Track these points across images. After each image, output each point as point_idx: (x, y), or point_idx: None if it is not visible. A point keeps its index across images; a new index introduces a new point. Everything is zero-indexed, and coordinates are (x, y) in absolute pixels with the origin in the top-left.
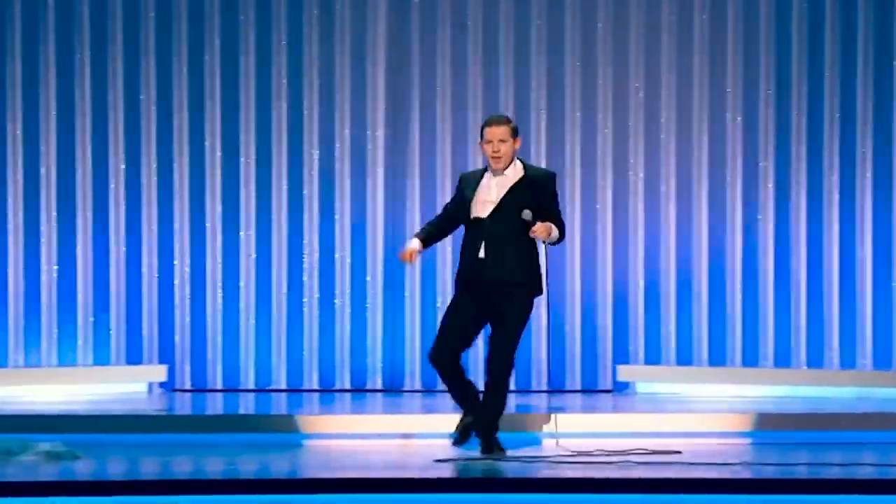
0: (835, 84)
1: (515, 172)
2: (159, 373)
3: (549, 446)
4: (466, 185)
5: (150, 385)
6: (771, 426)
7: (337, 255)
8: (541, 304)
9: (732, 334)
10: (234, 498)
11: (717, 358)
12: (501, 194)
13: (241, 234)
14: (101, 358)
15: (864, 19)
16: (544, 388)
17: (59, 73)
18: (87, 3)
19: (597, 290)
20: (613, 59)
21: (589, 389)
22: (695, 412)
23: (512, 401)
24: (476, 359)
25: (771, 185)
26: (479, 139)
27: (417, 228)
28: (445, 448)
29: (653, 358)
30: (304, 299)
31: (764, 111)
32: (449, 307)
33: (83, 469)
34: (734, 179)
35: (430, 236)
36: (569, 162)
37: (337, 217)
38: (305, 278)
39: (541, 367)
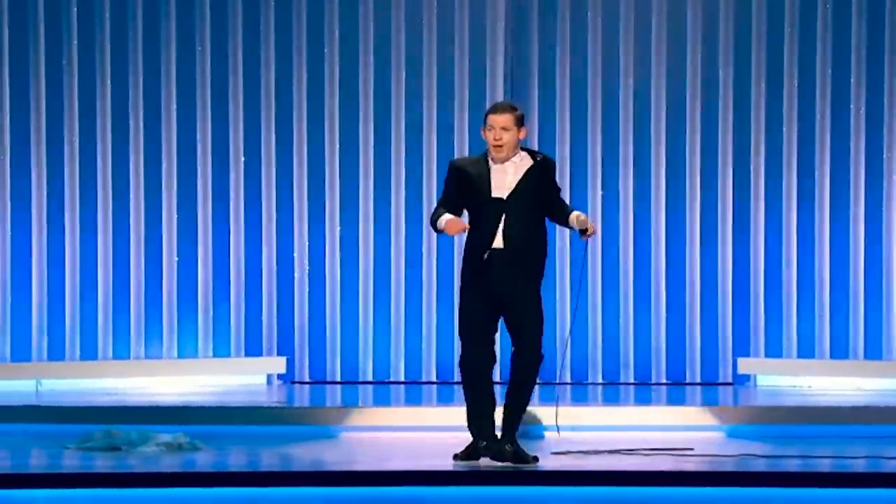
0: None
1: (523, 157)
2: (278, 365)
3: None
4: (467, 177)
5: (270, 377)
6: (893, 420)
7: (455, 248)
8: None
9: (855, 327)
10: (351, 490)
11: (839, 351)
12: (517, 178)
13: (360, 226)
14: (220, 350)
15: None
16: (663, 380)
17: (178, 64)
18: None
19: (717, 282)
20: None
21: (710, 382)
22: (815, 405)
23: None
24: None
25: (894, 176)
26: (482, 126)
27: None
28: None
29: (774, 351)
30: (423, 291)
31: (888, 104)
32: (465, 296)
33: (204, 460)
34: (857, 170)
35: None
36: (689, 156)
37: None
38: (424, 271)
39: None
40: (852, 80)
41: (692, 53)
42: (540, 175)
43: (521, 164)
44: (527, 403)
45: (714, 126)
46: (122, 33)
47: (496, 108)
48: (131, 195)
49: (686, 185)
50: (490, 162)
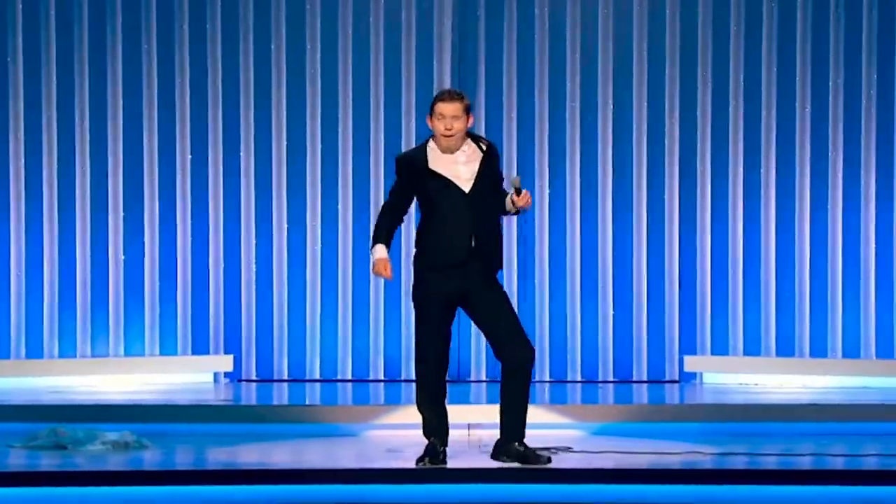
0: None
1: (471, 147)
2: (225, 363)
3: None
4: (406, 170)
5: (217, 375)
6: (839, 417)
7: (402, 247)
8: (607, 294)
9: (801, 325)
10: (299, 488)
11: (785, 349)
12: (475, 168)
13: (308, 224)
14: (167, 348)
15: None
16: (610, 378)
17: (124, 64)
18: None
19: (664, 280)
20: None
21: (656, 380)
22: (761, 402)
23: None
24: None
25: (840, 175)
26: (428, 114)
27: None
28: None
29: (720, 349)
30: (370, 289)
31: (833, 101)
32: (427, 305)
33: (150, 458)
34: (802, 170)
35: (390, 236)
36: (635, 153)
37: None
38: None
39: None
40: (798, 79)
41: (638, 52)
42: (491, 164)
43: (471, 153)
44: (528, 399)
45: (660, 124)
46: (69, 30)
47: (445, 97)
48: (77, 192)
49: (633, 183)
50: (437, 150)
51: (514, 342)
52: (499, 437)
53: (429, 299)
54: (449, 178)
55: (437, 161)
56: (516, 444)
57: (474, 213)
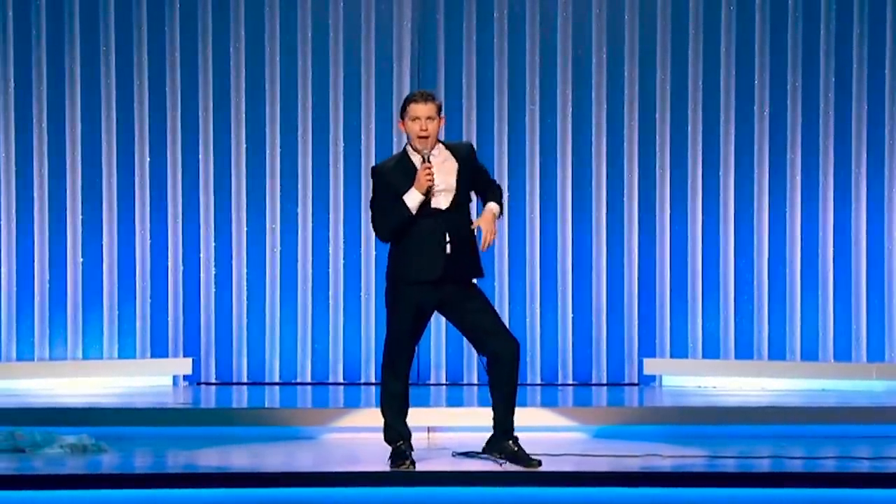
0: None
1: (443, 153)
2: (184, 366)
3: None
4: (397, 178)
5: (176, 378)
6: (797, 420)
7: (362, 249)
8: (566, 299)
9: (759, 328)
10: (259, 491)
11: (744, 352)
12: (452, 181)
13: (267, 227)
14: (126, 351)
15: None
16: (570, 381)
17: (83, 66)
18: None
19: (624, 283)
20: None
21: (616, 383)
22: (720, 405)
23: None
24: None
25: (798, 178)
26: (399, 118)
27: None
28: (466, 441)
29: (679, 352)
30: (330, 293)
31: (791, 104)
32: (400, 317)
33: (109, 462)
34: (761, 173)
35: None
36: (594, 155)
37: (362, 213)
38: (331, 272)
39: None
40: (756, 82)
41: (597, 54)
42: (469, 171)
43: (444, 163)
44: (516, 392)
45: (619, 126)
46: (26, 31)
47: (417, 98)
48: (35, 194)
49: (592, 185)
50: (413, 157)
51: (499, 336)
52: (491, 432)
53: (403, 309)
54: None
55: (414, 169)
56: (510, 442)
57: (450, 229)
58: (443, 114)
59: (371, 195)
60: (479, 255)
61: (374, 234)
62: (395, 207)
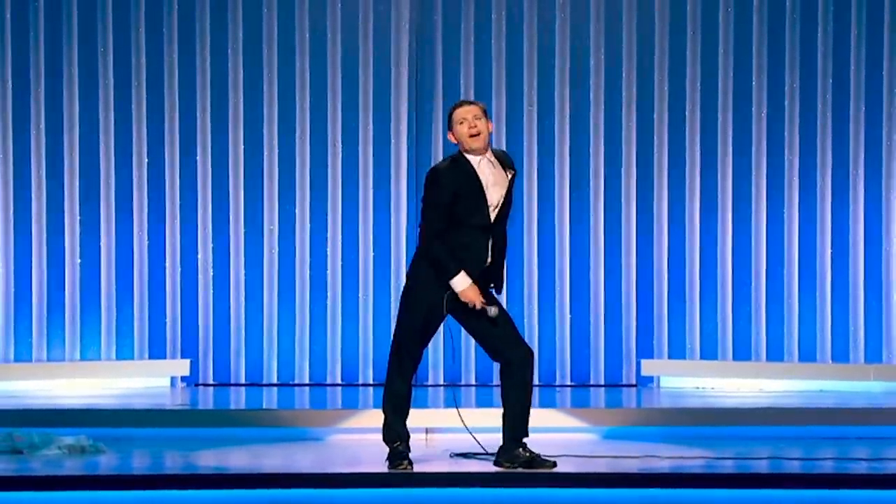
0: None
1: (496, 166)
2: (182, 367)
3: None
4: (458, 183)
5: (173, 379)
6: (795, 421)
7: (360, 251)
8: (564, 301)
9: (757, 329)
10: (256, 492)
11: (742, 353)
12: (502, 192)
13: (265, 228)
14: (124, 352)
15: None
16: (568, 382)
17: (81, 67)
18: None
19: (622, 284)
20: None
21: (614, 384)
22: (718, 406)
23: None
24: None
25: (796, 179)
26: (448, 128)
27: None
28: (464, 442)
29: (677, 353)
30: (328, 294)
31: (789, 105)
32: (419, 317)
33: (107, 463)
34: (759, 174)
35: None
36: (592, 156)
37: (360, 214)
38: (329, 273)
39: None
40: (754, 83)
41: (595, 55)
42: (511, 189)
43: (497, 172)
44: (530, 400)
45: (617, 127)
46: (24, 33)
47: (460, 103)
48: (32, 195)
49: (590, 186)
50: (469, 161)
51: (514, 344)
52: (502, 441)
53: (421, 308)
54: (484, 188)
55: (475, 175)
56: (521, 450)
57: (493, 242)
58: (492, 119)
59: (426, 195)
60: (504, 269)
61: (370, 236)
62: (454, 259)
